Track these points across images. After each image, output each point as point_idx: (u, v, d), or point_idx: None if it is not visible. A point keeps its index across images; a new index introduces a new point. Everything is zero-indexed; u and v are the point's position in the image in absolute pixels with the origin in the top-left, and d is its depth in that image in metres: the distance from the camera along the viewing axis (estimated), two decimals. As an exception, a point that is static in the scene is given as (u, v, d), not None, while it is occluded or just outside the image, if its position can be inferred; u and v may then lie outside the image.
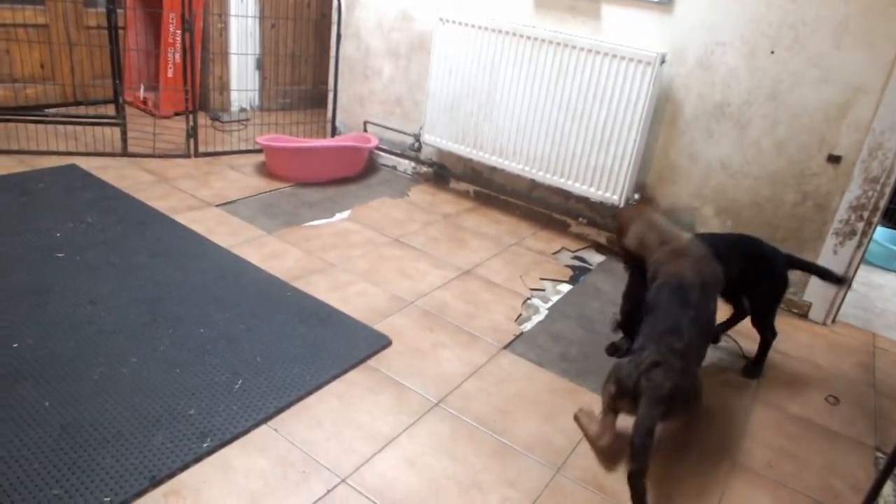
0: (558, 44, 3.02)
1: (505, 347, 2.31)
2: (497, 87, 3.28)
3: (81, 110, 4.12)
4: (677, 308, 1.85)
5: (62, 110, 4.15)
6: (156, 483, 1.57)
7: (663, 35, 2.89)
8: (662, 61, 2.84)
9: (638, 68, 2.83)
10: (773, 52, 2.67)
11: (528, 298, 2.67)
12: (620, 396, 1.80)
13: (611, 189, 3.06)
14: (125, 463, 1.61)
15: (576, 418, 1.99)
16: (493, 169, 3.55)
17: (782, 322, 2.77)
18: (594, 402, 2.08)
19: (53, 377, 1.85)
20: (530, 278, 2.83)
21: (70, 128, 3.79)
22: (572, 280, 2.88)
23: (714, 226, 2.98)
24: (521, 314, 2.54)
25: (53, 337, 2.02)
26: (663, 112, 2.98)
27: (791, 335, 2.70)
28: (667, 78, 2.92)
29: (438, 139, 3.58)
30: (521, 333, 2.41)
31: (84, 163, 3.42)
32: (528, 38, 3.10)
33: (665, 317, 1.85)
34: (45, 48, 4.14)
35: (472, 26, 3.26)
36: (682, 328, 1.81)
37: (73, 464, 1.59)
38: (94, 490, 1.52)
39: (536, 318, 2.53)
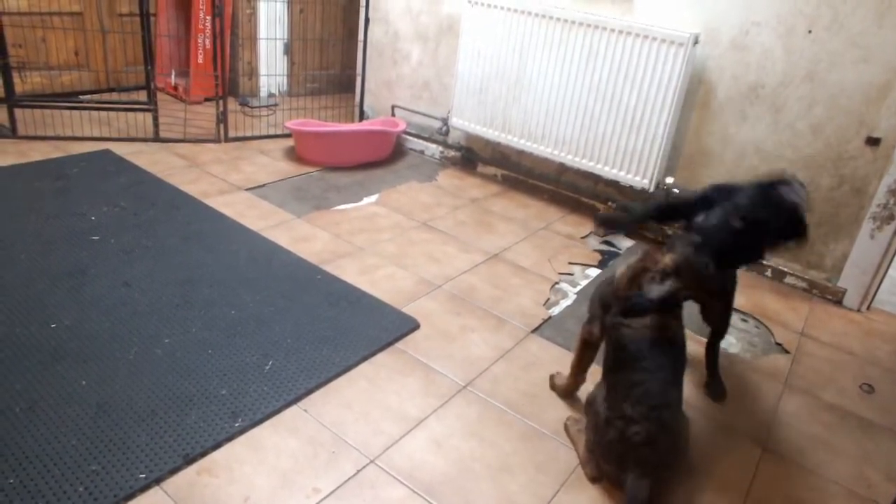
0: (588, 25, 2.98)
1: (533, 331, 2.30)
2: (526, 69, 3.25)
3: (114, 96, 4.19)
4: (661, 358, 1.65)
5: (96, 97, 4.22)
6: (189, 461, 1.61)
7: (696, 15, 2.83)
8: (695, 42, 2.78)
9: (670, 49, 2.78)
10: (810, 32, 2.60)
11: (557, 283, 2.65)
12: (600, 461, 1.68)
13: (641, 173, 3.02)
14: (159, 441, 1.64)
15: (566, 428, 1.86)
16: (522, 152, 3.53)
17: (817, 308, 2.72)
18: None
19: (90, 357, 1.90)
20: (558, 262, 2.82)
21: (104, 114, 3.86)
22: (601, 264, 2.86)
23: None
24: (549, 298, 2.53)
25: (90, 318, 2.07)
26: (695, 94, 2.92)
27: (825, 322, 2.64)
28: (699, 59, 2.86)
29: (466, 123, 3.56)
30: (550, 318, 2.40)
31: (117, 148, 3.48)
32: (558, 19, 3.06)
33: (649, 373, 1.62)
34: (79, 36, 4.20)
35: (501, 8, 3.22)
36: (669, 390, 1.63)
37: (110, 441, 1.63)
38: (130, 466, 1.56)
39: (565, 303, 2.52)
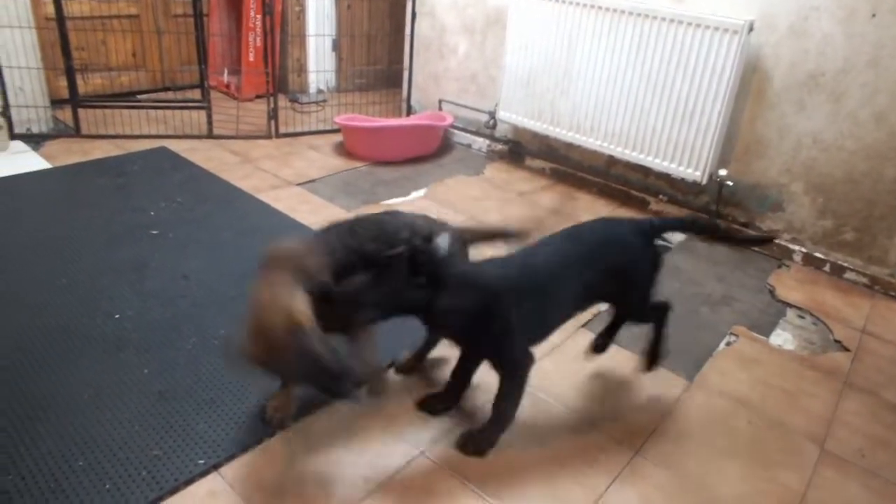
0: (639, 14, 2.93)
1: (583, 326, 2.29)
2: (575, 61, 3.21)
3: (170, 95, 4.31)
4: None
5: (152, 96, 4.36)
6: (245, 448, 1.66)
7: (750, 2, 2.75)
8: (750, 29, 2.71)
9: (724, 37, 2.71)
10: (874, 16, 2.50)
11: (606, 277, 2.62)
12: None
13: (693, 165, 2.95)
14: (217, 429, 1.70)
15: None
16: (570, 145, 3.50)
17: (880, 305, 2.62)
18: (674, 382, 2.04)
19: (152, 346, 1.97)
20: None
21: (160, 112, 3.98)
22: (651, 258, 2.81)
23: (804, 203, 2.83)
24: (598, 293, 2.51)
25: (151, 309, 2.15)
26: (750, 83, 2.84)
27: (888, 319, 2.55)
28: (754, 47, 2.78)
29: (514, 116, 3.55)
30: (599, 312, 2.38)
31: (173, 145, 3.59)
32: (607, 9, 3.02)
33: None
34: (136, 37, 4.35)
35: None
36: None
37: (171, 427, 1.69)
38: (190, 452, 1.62)
39: (614, 297, 2.49)
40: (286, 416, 1.73)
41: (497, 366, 1.65)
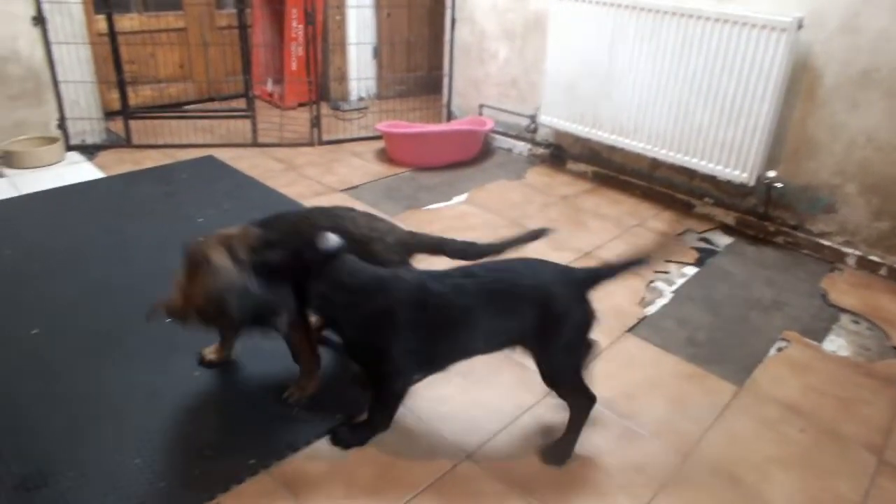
0: (682, 15, 2.89)
1: (629, 331, 2.26)
2: (617, 63, 3.18)
3: (215, 105, 4.42)
4: None
5: (199, 106, 4.47)
6: (295, 449, 1.68)
7: (800, -1, 2.69)
8: (799, 26, 2.64)
9: (771, 35, 2.65)
10: (931, 11, 2.41)
11: (652, 281, 2.59)
12: None
13: (740, 166, 2.90)
14: (267, 430, 1.73)
15: None
16: (613, 148, 3.46)
17: (939, 308, 2.53)
18: (724, 388, 2.00)
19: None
20: (653, 260, 2.74)
21: (206, 122, 4.08)
22: (698, 262, 2.77)
23: (859, 204, 2.74)
24: (644, 297, 2.47)
25: (201, 314, 2.19)
26: (800, 82, 2.77)
27: (950, 322, 2.45)
28: (804, 44, 2.71)
29: (556, 119, 3.53)
30: (645, 317, 2.35)
31: (219, 153, 3.67)
32: (650, 10, 2.98)
33: None
34: (183, 50, 4.47)
35: (590, 2, 3.17)
36: None
37: (222, 428, 1.74)
38: (241, 452, 1.67)
39: (661, 302, 2.45)
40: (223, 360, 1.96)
41: (367, 376, 1.68)
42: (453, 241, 1.92)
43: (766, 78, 2.71)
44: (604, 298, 2.41)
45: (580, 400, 1.67)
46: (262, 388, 1.88)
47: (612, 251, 2.79)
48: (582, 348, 1.69)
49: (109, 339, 2.05)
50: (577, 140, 3.63)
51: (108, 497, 1.51)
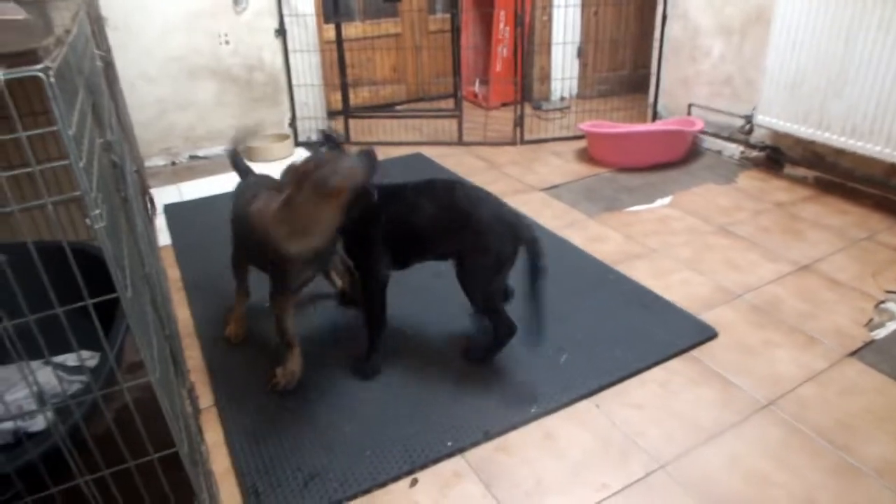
0: (941, 2, 2.53)
1: (851, 354, 2.05)
2: (853, 57, 2.87)
3: (423, 105, 4.69)
4: None
5: (408, 106, 4.77)
6: (489, 437, 1.76)
7: None
8: None
9: None
10: None
11: (882, 301, 2.31)
12: None
13: None
14: (465, 416, 1.82)
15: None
16: (840, 152, 3.13)
17: None
18: (972, 431, 1.74)
19: (410, 337, 2.18)
20: (885, 278, 2.45)
21: (416, 121, 4.34)
22: (944, 284, 2.42)
23: None
24: (872, 319, 2.22)
25: (409, 304, 2.36)
26: None
27: None
28: None
29: (775, 120, 3.27)
30: (873, 341, 2.11)
31: (427, 151, 3.89)
32: (899, -2, 2.65)
33: None
34: (397, 53, 4.80)
35: (824, -8, 2.89)
36: None
37: (424, 410, 1.86)
38: (439, 434, 1.77)
39: (892, 325, 2.18)
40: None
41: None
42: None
43: None
44: (821, 316, 2.22)
45: (500, 327, 1.98)
46: (460, 377, 1.98)
47: (834, 265, 2.54)
48: (499, 278, 1.95)
49: (325, 326, 2.28)
50: (799, 142, 3.33)
51: (321, 456, 1.70)
